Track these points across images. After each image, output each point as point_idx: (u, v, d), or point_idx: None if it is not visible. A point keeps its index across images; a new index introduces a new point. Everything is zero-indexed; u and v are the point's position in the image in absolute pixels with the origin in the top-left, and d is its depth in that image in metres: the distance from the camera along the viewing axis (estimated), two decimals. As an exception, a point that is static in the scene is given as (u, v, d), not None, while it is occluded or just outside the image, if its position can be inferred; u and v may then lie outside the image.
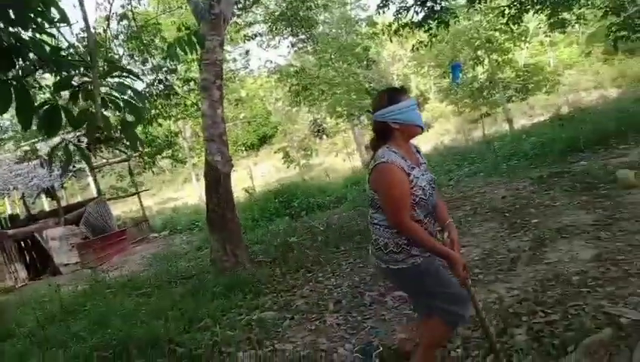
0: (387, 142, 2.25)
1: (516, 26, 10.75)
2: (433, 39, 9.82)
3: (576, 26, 12.83)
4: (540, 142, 9.56)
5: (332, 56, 16.26)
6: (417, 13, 8.98)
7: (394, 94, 2.26)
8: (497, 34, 18.36)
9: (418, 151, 2.41)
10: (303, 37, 14.20)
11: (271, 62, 20.84)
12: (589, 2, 11.98)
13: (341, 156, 26.31)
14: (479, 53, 19.13)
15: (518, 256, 4.21)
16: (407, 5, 9.16)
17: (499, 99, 21.52)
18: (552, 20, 10.83)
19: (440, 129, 28.56)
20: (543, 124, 13.65)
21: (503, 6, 10.67)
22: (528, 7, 9.69)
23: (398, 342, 3.17)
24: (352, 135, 23.49)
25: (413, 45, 10.48)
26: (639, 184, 5.23)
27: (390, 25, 9.89)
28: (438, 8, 8.58)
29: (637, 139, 7.81)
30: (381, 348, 3.11)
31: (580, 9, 11.61)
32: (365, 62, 16.80)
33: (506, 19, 10.53)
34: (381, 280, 4.28)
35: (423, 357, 2.50)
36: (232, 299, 4.74)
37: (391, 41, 11.03)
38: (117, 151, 13.92)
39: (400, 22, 9.42)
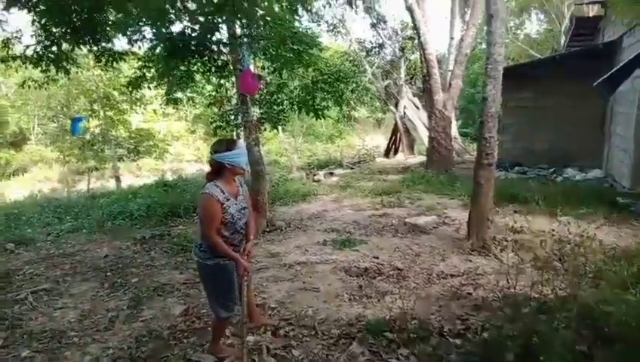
0: (218, 177, 3.07)
1: (135, 91, 11.29)
2: (49, 81, 9.15)
3: (187, 105, 14.64)
4: (145, 204, 10.07)
5: None
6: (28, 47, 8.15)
7: (230, 143, 3.11)
8: (116, 93, 18.66)
9: (241, 185, 3.23)
10: None
11: None
12: (199, 89, 14.16)
13: None
14: (95, 106, 18.71)
15: (117, 315, 4.36)
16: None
17: (109, 156, 21.48)
18: (167, 97, 12.04)
19: (39, 175, 25.62)
20: (149, 187, 14.41)
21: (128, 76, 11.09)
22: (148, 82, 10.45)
23: None
24: None
25: (25, 81, 9.41)
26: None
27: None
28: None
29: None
30: None
31: (191, 93, 13.49)
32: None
33: (126, 82, 10.97)
34: None
35: (212, 347, 3.37)
36: None
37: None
38: None
39: (10, 52, 8.32)
